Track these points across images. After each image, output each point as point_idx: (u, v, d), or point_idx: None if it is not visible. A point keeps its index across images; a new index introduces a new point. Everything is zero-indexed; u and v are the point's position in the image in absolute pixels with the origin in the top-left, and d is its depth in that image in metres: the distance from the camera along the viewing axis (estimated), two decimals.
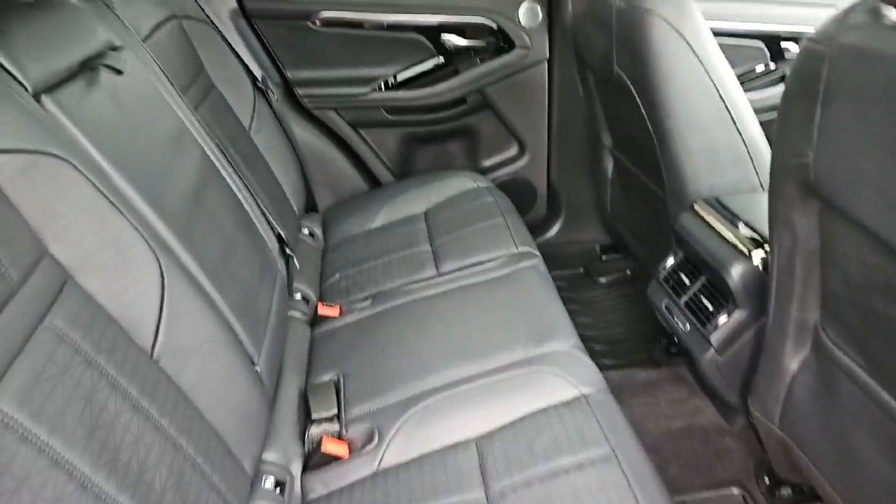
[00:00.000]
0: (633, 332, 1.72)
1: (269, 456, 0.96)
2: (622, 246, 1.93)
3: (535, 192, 2.04)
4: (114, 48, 1.00)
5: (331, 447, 0.97)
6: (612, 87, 1.39)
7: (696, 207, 1.26)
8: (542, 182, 2.03)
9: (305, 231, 1.65)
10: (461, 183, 1.73)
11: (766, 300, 0.93)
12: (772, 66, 1.84)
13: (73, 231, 0.72)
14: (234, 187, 1.22)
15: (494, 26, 1.76)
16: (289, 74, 1.79)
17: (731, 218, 1.19)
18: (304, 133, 1.85)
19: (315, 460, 0.98)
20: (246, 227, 1.19)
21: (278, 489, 0.91)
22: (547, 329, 1.15)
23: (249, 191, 1.30)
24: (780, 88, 0.89)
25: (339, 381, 1.12)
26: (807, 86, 0.69)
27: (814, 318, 0.86)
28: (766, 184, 0.84)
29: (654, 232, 1.51)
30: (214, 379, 0.85)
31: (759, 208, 1.11)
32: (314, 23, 1.74)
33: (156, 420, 0.71)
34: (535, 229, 2.01)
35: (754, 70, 1.84)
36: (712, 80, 1.17)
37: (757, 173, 1.25)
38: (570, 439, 0.90)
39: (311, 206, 1.89)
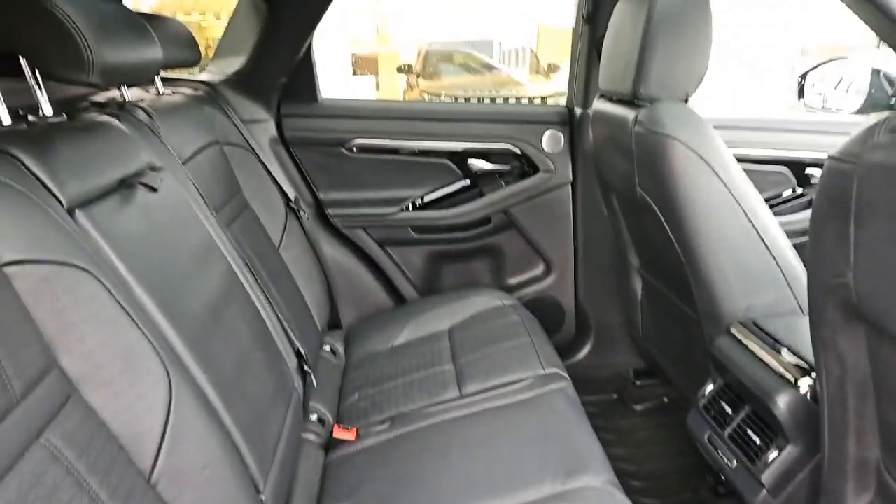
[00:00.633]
0: (674, 466, 1.58)
1: None
2: (657, 370, 1.85)
3: (562, 312, 2.00)
4: (153, 168, 1.05)
5: None
6: (636, 208, 1.40)
7: (734, 330, 1.20)
8: (570, 302, 1.99)
9: (327, 348, 1.63)
10: (486, 301, 1.70)
11: (819, 434, 0.85)
12: (799, 190, 1.84)
13: (85, 343, 0.71)
14: (256, 302, 1.21)
15: (518, 152, 1.83)
16: (321, 195, 1.86)
17: (773, 343, 1.12)
18: (332, 250, 1.89)
19: None
20: (264, 343, 1.17)
21: None
22: (578, 461, 1.06)
23: (272, 306, 1.29)
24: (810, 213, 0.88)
25: None
26: (837, 204, 0.67)
27: (875, 455, 0.77)
28: (805, 306, 0.80)
29: (690, 356, 1.44)
30: None
31: (801, 332, 1.05)
32: (348, 149, 1.84)
33: None
34: (564, 351, 1.94)
35: (781, 195, 1.84)
36: (737, 201, 1.16)
37: (795, 296, 1.20)
38: None
39: (335, 323, 1.88)
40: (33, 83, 0.89)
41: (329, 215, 1.88)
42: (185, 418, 0.78)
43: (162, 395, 0.77)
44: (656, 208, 1.27)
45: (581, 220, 1.89)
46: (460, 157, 1.87)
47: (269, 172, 1.72)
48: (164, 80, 1.56)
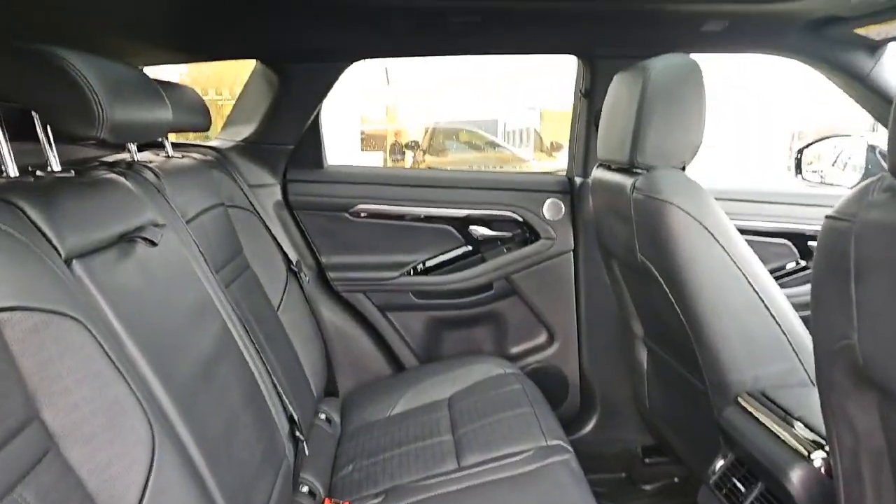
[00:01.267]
0: None
1: None
2: (667, 447, 1.77)
3: (566, 384, 1.94)
4: (156, 225, 1.05)
5: None
6: (637, 275, 1.39)
7: (741, 401, 1.16)
8: (574, 373, 1.95)
9: (322, 416, 1.58)
10: (487, 368, 1.67)
11: None
12: (802, 263, 1.83)
13: (70, 396, 0.69)
14: (250, 364, 1.19)
15: (520, 219, 1.85)
16: (322, 259, 1.87)
17: (784, 415, 1.08)
18: (331, 315, 1.87)
19: None
20: (256, 405, 1.13)
21: None
22: None
23: (267, 369, 1.26)
24: None
25: None
26: (836, 264, 0.66)
27: None
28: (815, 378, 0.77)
29: (699, 429, 1.38)
30: None
31: (812, 405, 1.01)
32: (351, 214, 1.86)
33: None
34: (569, 425, 1.88)
35: (785, 267, 1.83)
36: (739, 268, 1.15)
37: (804, 367, 1.17)
38: None
39: (331, 391, 1.83)
40: (44, 139, 0.91)
41: (330, 279, 1.87)
42: (166, 479, 0.75)
43: (144, 454, 0.74)
44: (658, 275, 1.26)
45: (583, 288, 1.88)
46: (462, 224, 1.88)
47: (272, 235, 1.73)
48: (174, 145, 1.61)
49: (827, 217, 0.70)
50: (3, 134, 0.83)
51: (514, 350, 1.94)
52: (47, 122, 0.89)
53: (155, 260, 1.00)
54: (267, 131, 1.83)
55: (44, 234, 0.79)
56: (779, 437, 1.05)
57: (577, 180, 1.87)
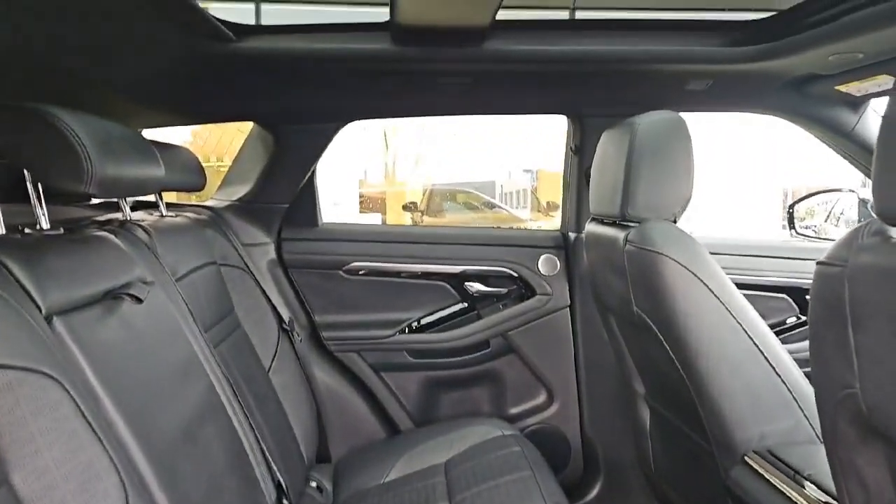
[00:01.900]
0: None
1: None
2: None
3: (568, 445, 1.88)
4: (144, 282, 1.04)
5: None
6: (635, 329, 1.37)
7: (749, 460, 1.11)
8: (576, 434, 1.88)
9: (313, 484, 1.51)
10: (485, 431, 1.61)
11: None
12: (802, 318, 1.81)
13: (41, 458, 0.66)
14: (237, 426, 1.14)
15: (515, 274, 1.84)
16: (316, 318, 1.84)
17: (793, 474, 1.03)
18: (324, 376, 1.83)
19: None
20: (241, 470, 1.08)
21: None
22: None
23: (254, 432, 1.22)
24: None
25: None
26: (833, 310, 0.65)
27: None
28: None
29: (707, 491, 1.32)
30: None
31: (820, 462, 0.97)
32: (345, 272, 1.85)
33: None
34: (572, 490, 1.80)
35: (785, 322, 1.81)
36: (737, 320, 1.13)
37: (810, 422, 1.12)
38: None
39: (323, 456, 1.76)
40: (34, 197, 0.91)
41: (323, 338, 1.84)
42: None
43: None
44: (655, 328, 1.24)
45: (582, 345, 1.85)
46: (457, 280, 1.87)
47: (264, 294, 1.71)
48: (169, 205, 1.62)
49: (818, 263, 0.69)
50: None
51: (513, 410, 1.88)
52: (38, 179, 0.90)
53: (140, 317, 0.98)
54: (262, 191, 1.85)
55: (26, 291, 0.78)
56: (790, 499, 1.00)
57: (572, 235, 1.87)
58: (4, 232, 0.86)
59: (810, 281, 1.95)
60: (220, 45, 1.35)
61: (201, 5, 1.17)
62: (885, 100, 0.63)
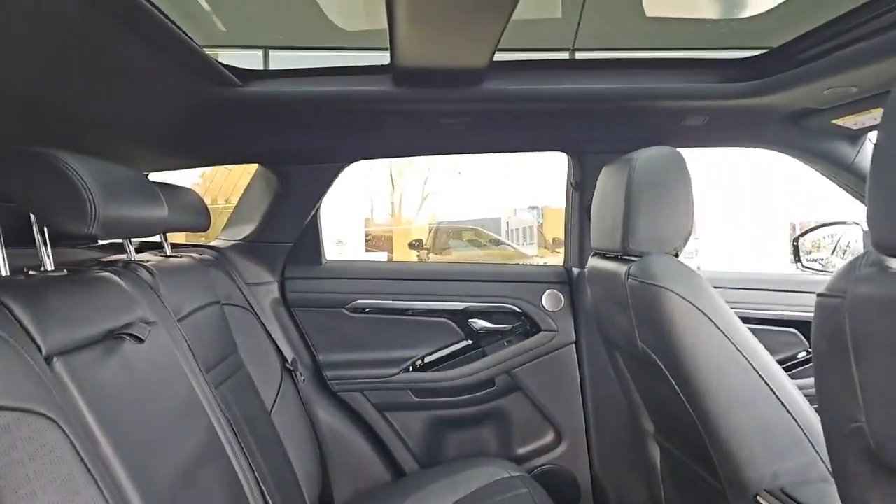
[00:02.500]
0: None
1: None
2: None
3: (577, 487, 1.83)
4: (145, 322, 1.04)
5: None
6: (641, 364, 1.35)
7: (761, 500, 1.07)
8: (585, 475, 1.84)
9: None
10: (492, 472, 1.57)
11: None
12: (811, 351, 1.78)
13: (37, 500, 0.64)
14: (237, 468, 1.12)
15: (519, 310, 1.83)
16: (319, 357, 1.83)
17: None
18: (327, 416, 1.80)
19: None
20: None
21: None
22: None
23: (255, 475, 1.20)
24: None
25: None
26: (834, 342, 0.64)
27: None
28: None
29: None
30: None
31: (834, 501, 0.94)
32: (349, 310, 1.85)
33: None
34: None
35: (796, 357, 1.78)
36: (743, 355, 1.11)
37: (822, 460, 1.09)
38: None
39: (326, 499, 1.73)
40: (39, 239, 0.92)
41: (326, 377, 1.82)
42: None
43: None
44: (660, 363, 1.22)
45: (589, 381, 1.82)
46: (461, 317, 1.86)
47: (267, 333, 1.71)
48: (174, 245, 1.63)
49: (818, 295, 0.69)
50: None
51: (521, 451, 1.85)
52: (43, 222, 0.91)
53: (141, 358, 0.98)
54: (266, 230, 1.87)
55: (27, 331, 0.78)
56: None
57: (575, 271, 1.86)
58: (8, 273, 0.87)
59: None
60: (225, 89, 1.39)
61: (210, 52, 1.20)
62: None
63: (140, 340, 0.95)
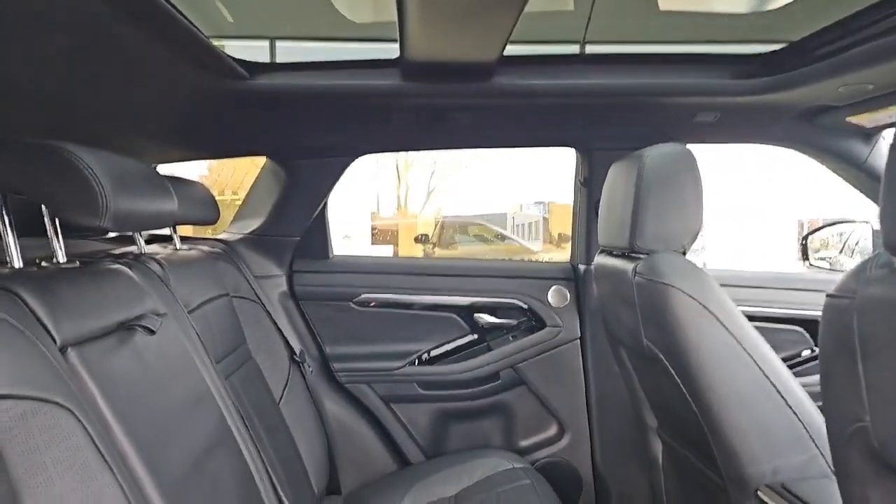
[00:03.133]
0: None
1: None
2: None
3: (579, 480, 1.84)
4: (156, 314, 1.06)
5: None
6: (645, 361, 1.36)
7: (762, 495, 1.08)
8: (587, 468, 1.85)
9: None
10: (495, 463, 1.59)
11: None
12: (817, 350, 1.78)
13: (54, 487, 0.66)
14: (247, 457, 1.14)
15: (525, 306, 1.84)
16: (326, 349, 1.85)
17: None
18: (335, 407, 1.83)
19: None
20: (250, 501, 1.08)
21: None
22: None
23: (264, 463, 1.22)
24: None
25: None
26: (841, 342, 0.65)
27: None
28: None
29: None
30: None
31: (834, 497, 0.95)
32: (356, 304, 1.86)
33: None
34: None
35: (800, 354, 1.78)
36: (747, 352, 1.12)
37: (823, 456, 1.10)
38: None
39: (333, 488, 1.75)
40: (51, 231, 0.94)
41: (334, 369, 1.85)
42: None
43: None
44: (665, 360, 1.23)
45: (593, 377, 1.83)
46: (467, 312, 1.87)
47: (276, 325, 1.73)
48: (183, 238, 1.65)
49: (828, 296, 0.69)
50: (11, 227, 0.86)
51: (524, 443, 1.86)
52: (55, 214, 0.92)
53: (153, 349, 1.00)
54: (274, 224, 1.88)
55: (41, 322, 0.79)
56: None
57: (581, 267, 1.87)
58: (22, 265, 0.89)
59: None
60: (234, 82, 1.40)
61: (217, 43, 1.21)
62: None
63: (151, 332, 0.97)
